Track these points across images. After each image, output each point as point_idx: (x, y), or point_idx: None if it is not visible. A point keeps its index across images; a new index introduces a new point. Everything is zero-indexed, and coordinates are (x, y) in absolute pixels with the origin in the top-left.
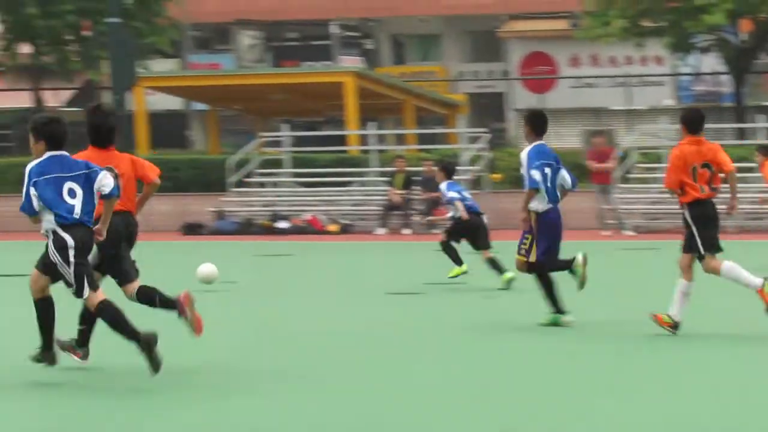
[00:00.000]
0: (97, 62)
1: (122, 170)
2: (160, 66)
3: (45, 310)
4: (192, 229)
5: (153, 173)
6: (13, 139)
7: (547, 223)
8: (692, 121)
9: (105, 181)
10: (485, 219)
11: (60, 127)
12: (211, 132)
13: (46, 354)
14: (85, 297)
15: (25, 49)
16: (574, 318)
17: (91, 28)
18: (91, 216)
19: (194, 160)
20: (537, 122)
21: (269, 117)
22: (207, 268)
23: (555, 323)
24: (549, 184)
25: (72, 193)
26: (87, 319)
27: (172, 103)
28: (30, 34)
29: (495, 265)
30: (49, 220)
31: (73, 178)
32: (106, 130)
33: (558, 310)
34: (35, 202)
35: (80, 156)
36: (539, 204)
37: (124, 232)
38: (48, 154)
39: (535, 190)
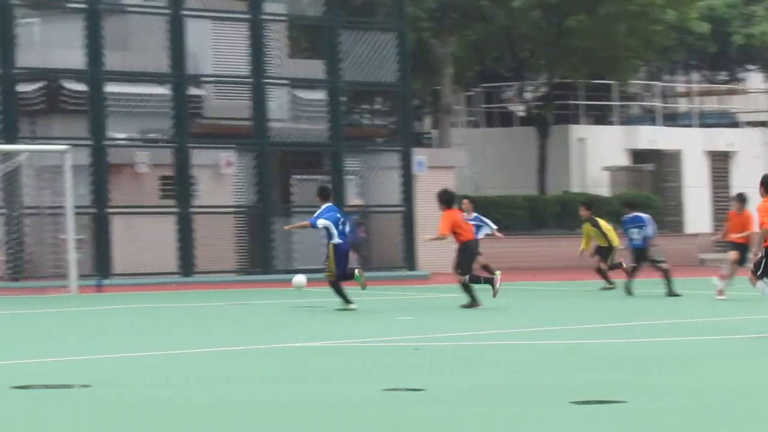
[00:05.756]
0: None
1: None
2: None
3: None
4: None
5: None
6: None
7: (339, 251)
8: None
9: None
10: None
11: None
12: None
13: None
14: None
15: None
16: (356, 306)
17: None
18: None
19: None
20: (323, 194)
21: None
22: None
23: (345, 309)
24: (341, 228)
25: None
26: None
27: None
28: None
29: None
30: None
31: None
32: (450, 197)
33: (347, 301)
34: None
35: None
36: (334, 239)
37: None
38: None
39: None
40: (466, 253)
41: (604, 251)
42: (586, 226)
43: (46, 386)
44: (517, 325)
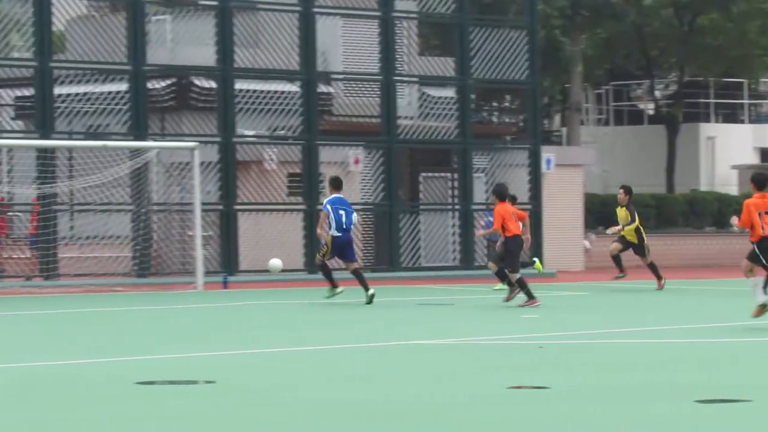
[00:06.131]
0: None
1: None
2: None
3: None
4: None
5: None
6: None
7: (336, 242)
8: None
9: None
10: None
11: None
12: None
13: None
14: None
15: None
16: (342, 289)
17: None
18: None
19: None
20: (334, 183)
21: None
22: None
23: (332, 295)
24: (340, 221)
25: None
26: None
27: None
28: None
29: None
30: None
31: None
32: (504, 191)
33: (333, 285)
34: None
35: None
36: (332, 231)
37: None
38: None
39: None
40: (511, 248)
41: (639, 248)
42: (621, 211)
43: (171, 382)
44: (641, 324)
